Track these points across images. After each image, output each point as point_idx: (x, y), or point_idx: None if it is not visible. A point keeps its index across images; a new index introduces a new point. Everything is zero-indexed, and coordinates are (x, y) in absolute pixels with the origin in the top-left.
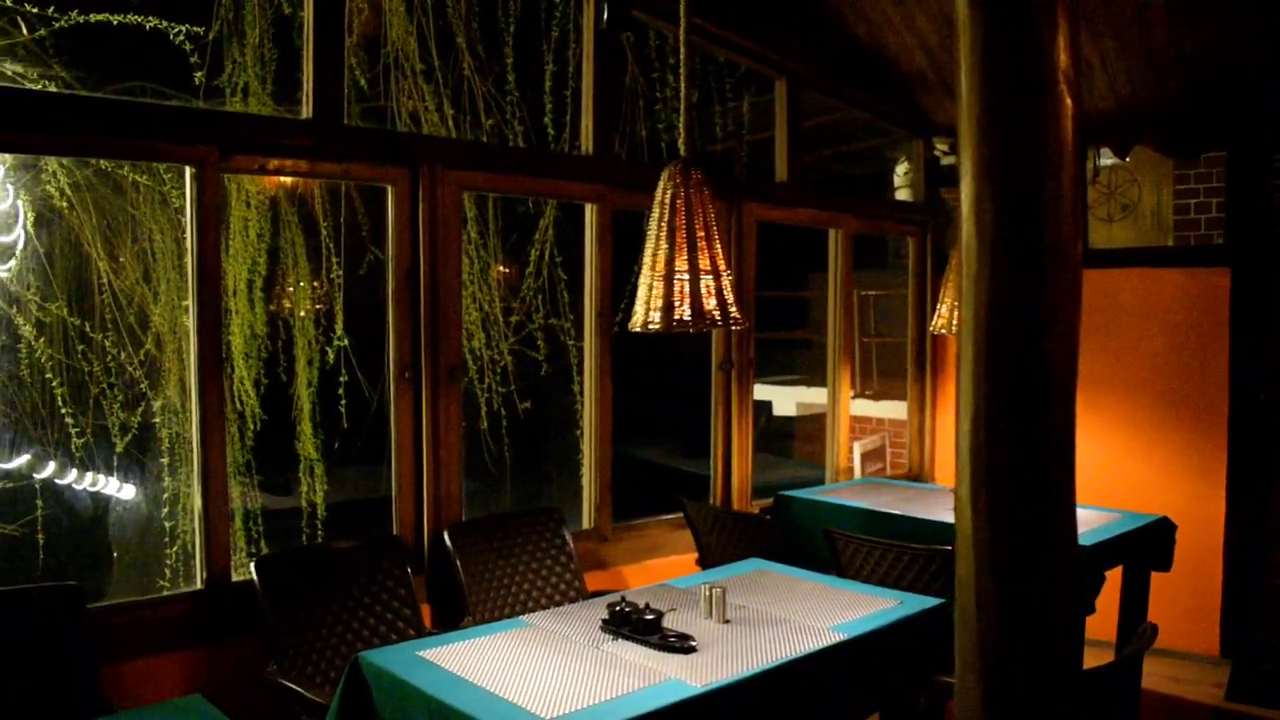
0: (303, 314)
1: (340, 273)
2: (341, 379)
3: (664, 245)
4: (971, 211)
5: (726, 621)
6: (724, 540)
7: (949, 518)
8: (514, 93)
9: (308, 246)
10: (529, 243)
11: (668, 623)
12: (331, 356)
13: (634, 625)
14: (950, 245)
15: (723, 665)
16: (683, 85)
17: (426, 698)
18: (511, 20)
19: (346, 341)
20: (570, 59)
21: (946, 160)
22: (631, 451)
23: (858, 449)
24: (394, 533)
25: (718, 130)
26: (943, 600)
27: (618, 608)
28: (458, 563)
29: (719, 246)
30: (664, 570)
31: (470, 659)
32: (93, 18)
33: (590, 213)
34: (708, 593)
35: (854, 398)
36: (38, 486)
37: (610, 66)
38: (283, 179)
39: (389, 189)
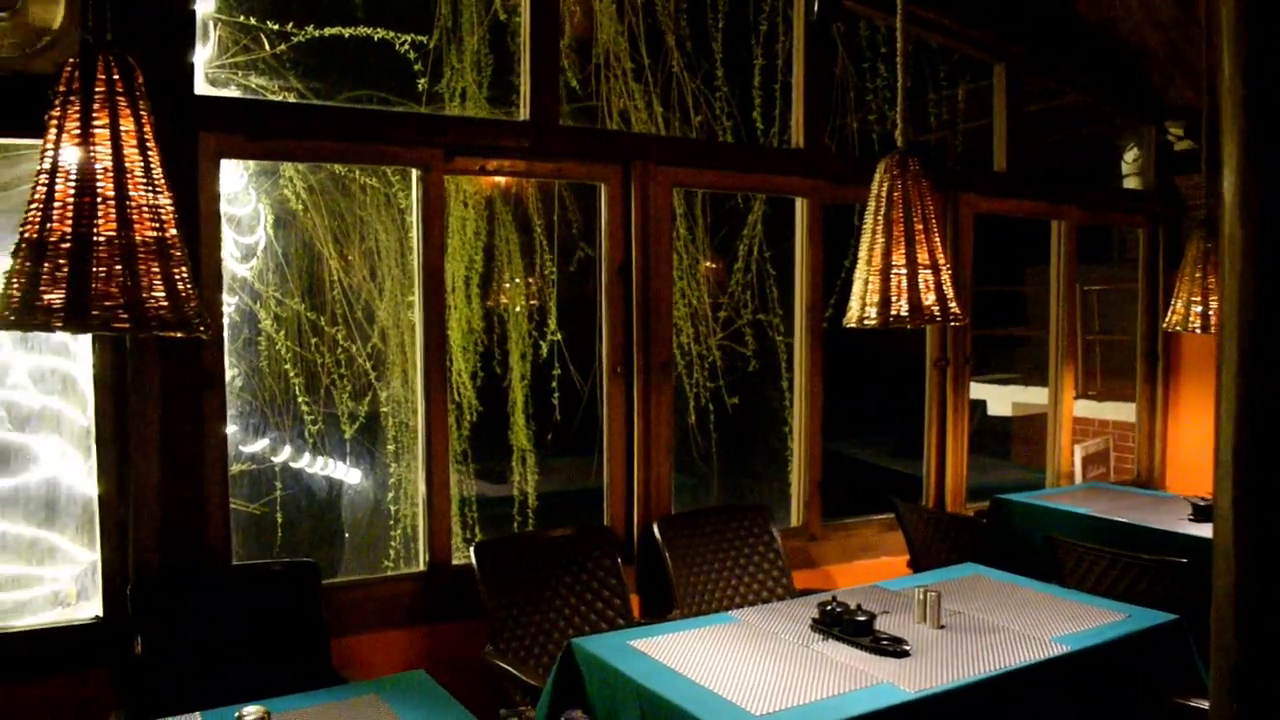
0: (517, 309)
1: (554, 269)
2: (554, 373)
3: (880, 239)
4: (1236, 201)
5: (941, 627)
6: (937, 543)
7: (1185, 528)
8: (723, 88)
9: (521, 244)
10: (737, 238)
11: (880, 625)
12: (545, 351)
13: (845, 626)
14: (1186, 236)
15: (937, 671)
16: (899, 73)
17: (637, 686)
18: (720, 16)
19: (560, 336)
20: (779, 52)
21: (1181, 145)
22: (838, 449)
23: (1079, 452)
24: (605, 523)
25: (931, 119)
26: (1176, 616)
27: (829, 607)
28: (666, 555)
29: (938, 239)
30: (874, 571)
31: (680, 651)
32: (326, 31)
33: (800, 207)
34: (921, 596)
35: (1076, 398)
36: (276, 469)
37: (820, 58)
38: (497, 179)
39: (601, 187)
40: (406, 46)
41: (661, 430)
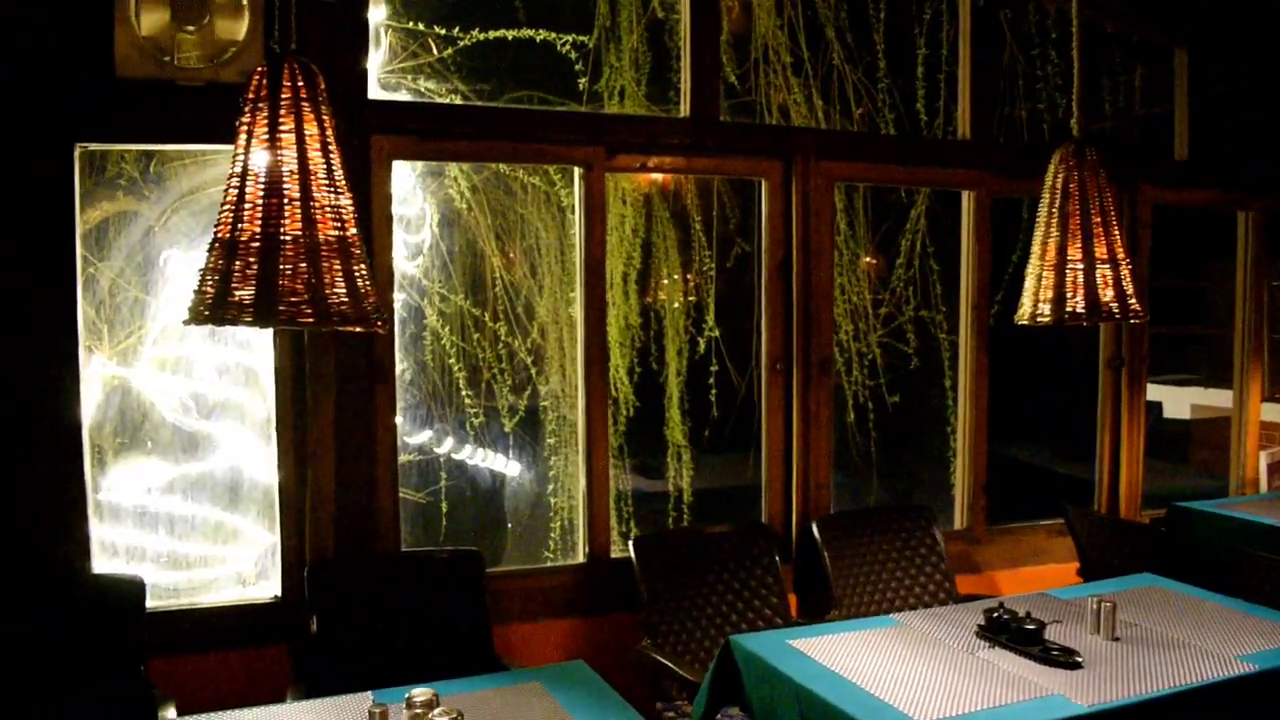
0: (675, 306)
1: (712, 265)
2: (712, 369)
3: (1055, 232)
4: None
5: (1115, 639)
6: (1110, 551)
7: None
8: (884, 80)
9: (678, 240)
10: (900, 233)
11: (1049, 635)
12: (702, 347)
13: (1013, 634)
14: None
15: (1112, 686)
16: (1075, 58)
17: (796, 686)
18: (882, 6)
19: (717, 332)
20: (944, 41)
21: None
22: (1001, 449)
23: (1264, 459)
24: (763, 521)
25: (1106, 107)
26: None
27: (995, 614)
28: (825, 555)
29: (1117, 233)
30: (1041, 578)
31: (840, 652)
32: (490, 34)
33: (967, 200)
34: (1094, 606)
35: (1264, 401)
36: (441, 460)
37: (987, 46)
38: (654, 175)
39: (762, 182)
40: (568, 47)
41: (821, 428)
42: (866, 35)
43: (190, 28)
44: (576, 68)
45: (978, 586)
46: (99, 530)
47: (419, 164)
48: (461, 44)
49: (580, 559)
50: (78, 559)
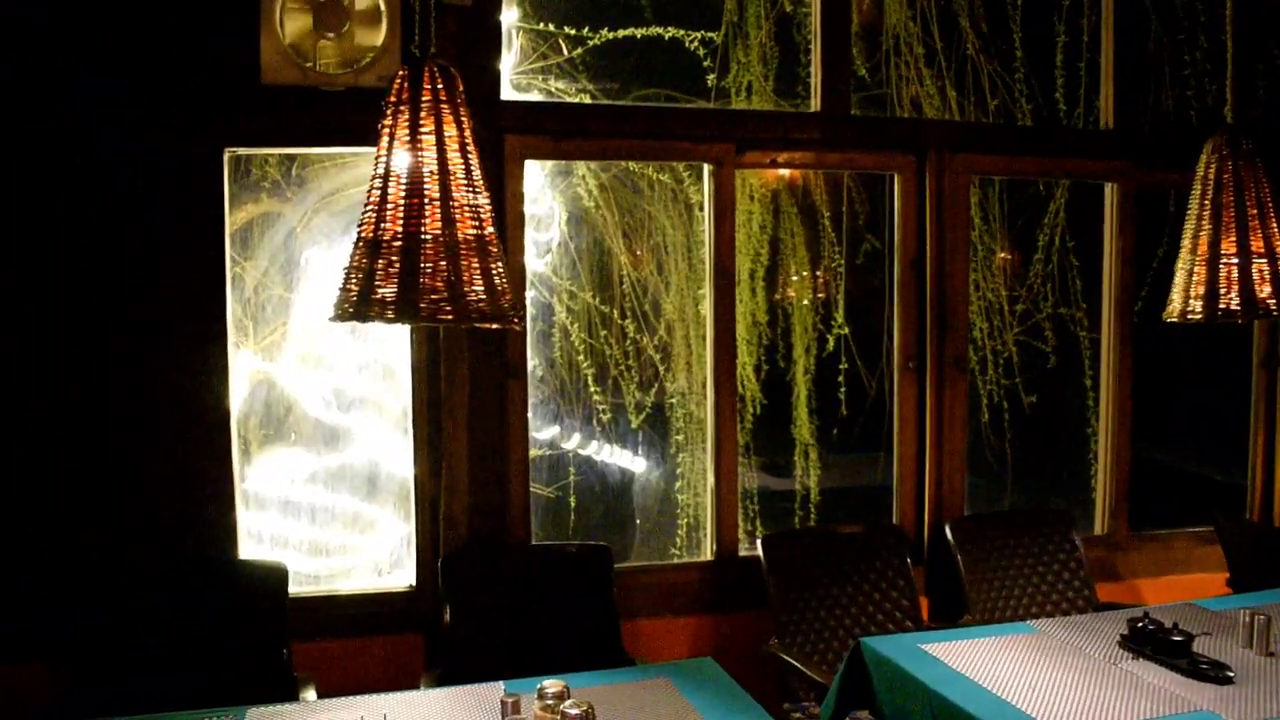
0: (804, 302)
1: (841, 261)
2: (841, 366)
3: (1207, 225)
4: None
5: (1270, 654)
6: (1263, 561)
7: None
8: (1021, 69)
9: (806, 236)
10: (1037, 227)
11: (1198, 647)
12: (831, 344)
13: (1159, 645)
14: None
15: (1268, 703)
16: (1228, 42)
17: (929, 691)
18: None
19: (846, 330)
20: (1084, 26)
21: None
22: (1144, 452)
23: None
24: (894, 522)
25: (1259, 91)
26: None
27: (1140, 624)
28: (958, 558)
29: (1275, 225)
30: (1187, 588)
31: (974, 658)
32: (619, 33)
33: (1110, 192)
34: (1247, 619)
35: None
36: (570, 455)
37: (1131, 30)
38: (782, 171)
39: (895, 177)
40: (695, 43)
41: (955, 428)
42: (1002, 23)
43: (331, 35)
44: (705, 64)
45: (1119, 595)
46: (245, 518)
47: (548, 163)
48: (591, 43)
49: (707, 556)
50: (226, 545)
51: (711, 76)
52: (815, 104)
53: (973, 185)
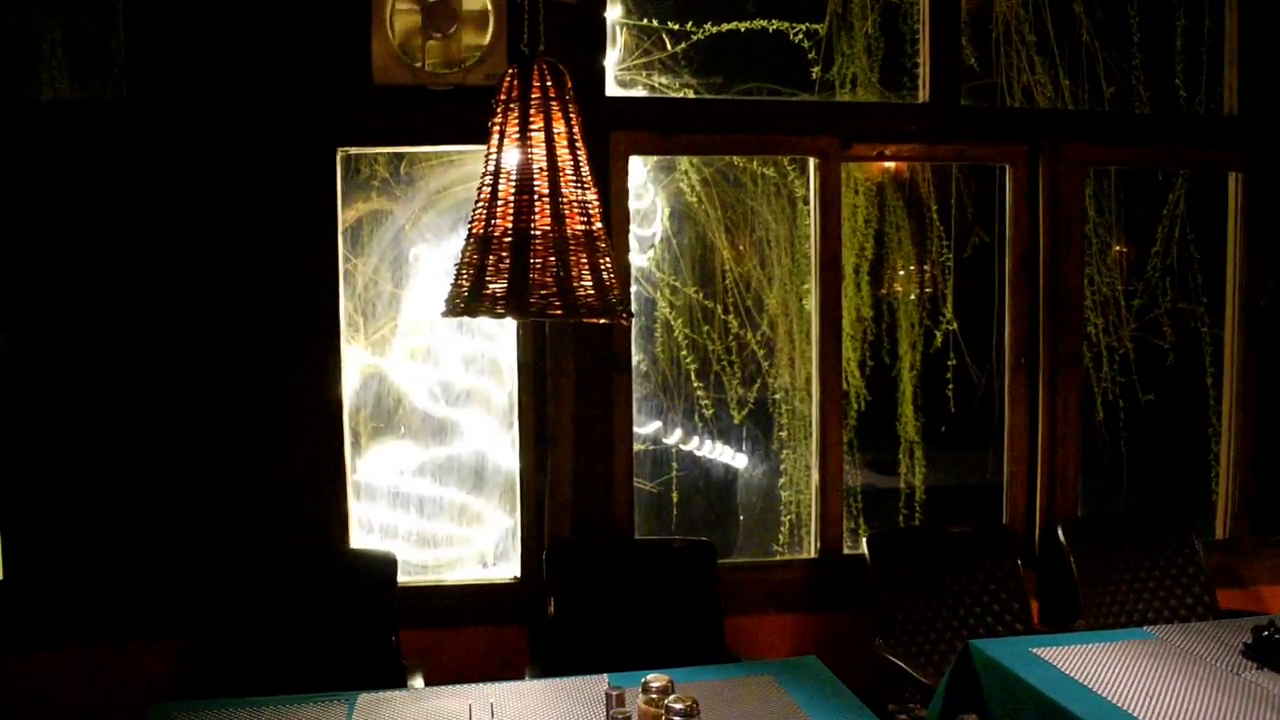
0: (912, 297)
1: (949, 255)
2: (949, 363)
3: None
4: None
5: None
6: None
7: None
8: (1138, 56)
9: (912, 230)
10: (1155, 219)
11: None
12: (938, 339)
13: None
14: None
15: None
16: None
17: (1041, 696)
18: None
19: (955, 325)
20: (1205, 7)
21: None
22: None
23: None
24: (1004, 522)
25: None
26: None
27: (1265, 633)
28: (1071, 560)
29: None
30: None
31: (1088, 664)
32: (724, 27)
33: (1233, 182)
34: None
35: None
36: (673, 450)
37: (1257, 12)
38: (887, 164)
39: (1006, 169)
40: (800, 35)
41: (1068, 427)
42: (1118, 6)
43: (440, 35)
44: (810, 56)
45: (1241, 602)
46: (356, 508)
47: (651, 159)
48: (695, 38)
49: (811, 554)
50: (338, 535)
51: (816, 69)
52: (923, 94)
53: (1087, 176)
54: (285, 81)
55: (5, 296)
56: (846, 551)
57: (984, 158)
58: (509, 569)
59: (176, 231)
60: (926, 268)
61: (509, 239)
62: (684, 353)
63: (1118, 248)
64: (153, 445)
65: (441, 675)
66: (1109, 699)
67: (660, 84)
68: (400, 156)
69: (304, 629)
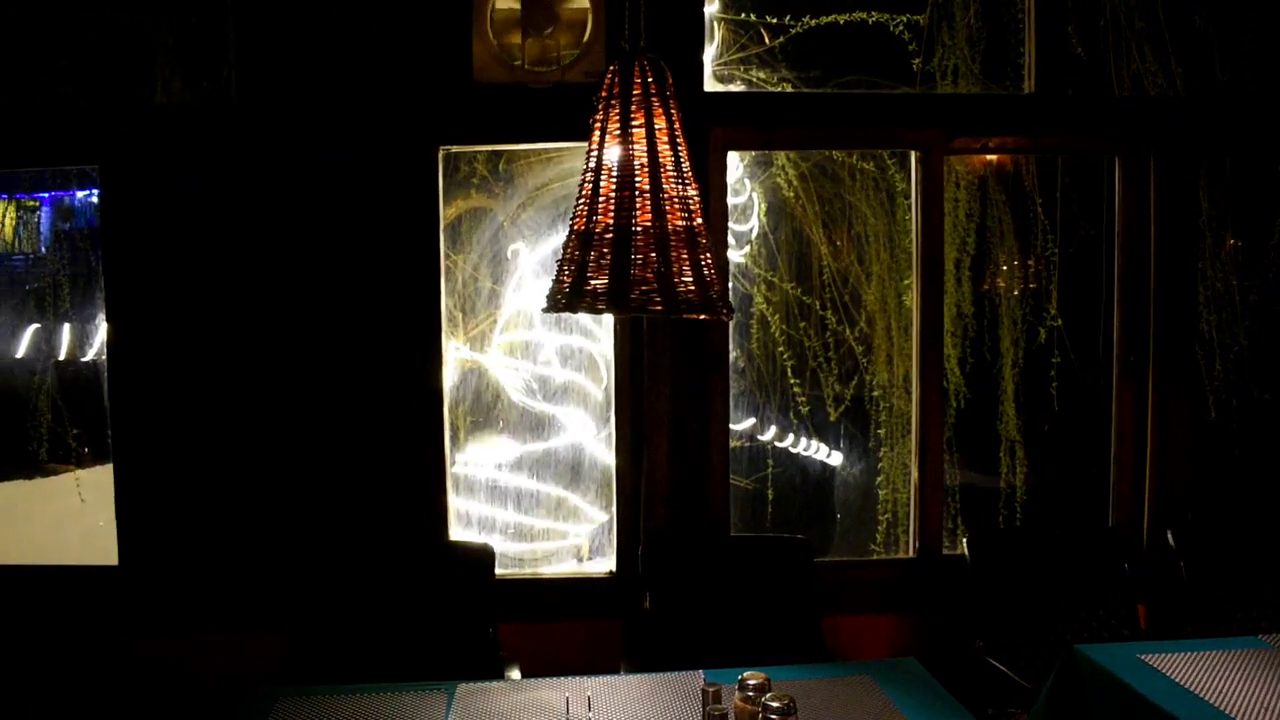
0: (1015, 293)
1: (1055, 250)
2: (1053, 360)
3: None
4: None
5: None
6: None
7: None
8: (1255, 41)
9: (1015, 224)
10: (1274, 210)
11: None
12: (1042, 336)
13: None
14: None
15: None
16: None
17: (1152, 706)
18: None
19: (1059, 321)
20: None
21: None
22: None
23: None
24: (1109, 524)
25: None
26: None
27: None
28: (1182, 565)
29: None
30: None
31: (1199, 672)
32: (822, 20)
33: None
34: None
35: None
36: (769, 447)
37: None
38: (989, 156)
39: (1115, 161)
40: (900, 27)
41: (1179, 426)
42: None
43: (539, 34)
44: (910, 48)
45: None
46: (454, 501)
47: (747, 154)
48: (793, 31)
49: (909, 554)
50: (437, 527)
51: (916, 61)
52: (1028, 85)
53: (1200, 166)
54: (389, 82)
55: (121, 294)
56: (946, 552)
57: (1092, 149)
58: (604, 564)
59: (285, 229)
60: (1030, 262)
61: (610, 235)
62: (781, 349)
63: (1232, 241)
64: (262, 439)
65: (537, 667)
66: (1222, 709)
67: (758, 78)
68: (499, 154)
69: (405, 619)
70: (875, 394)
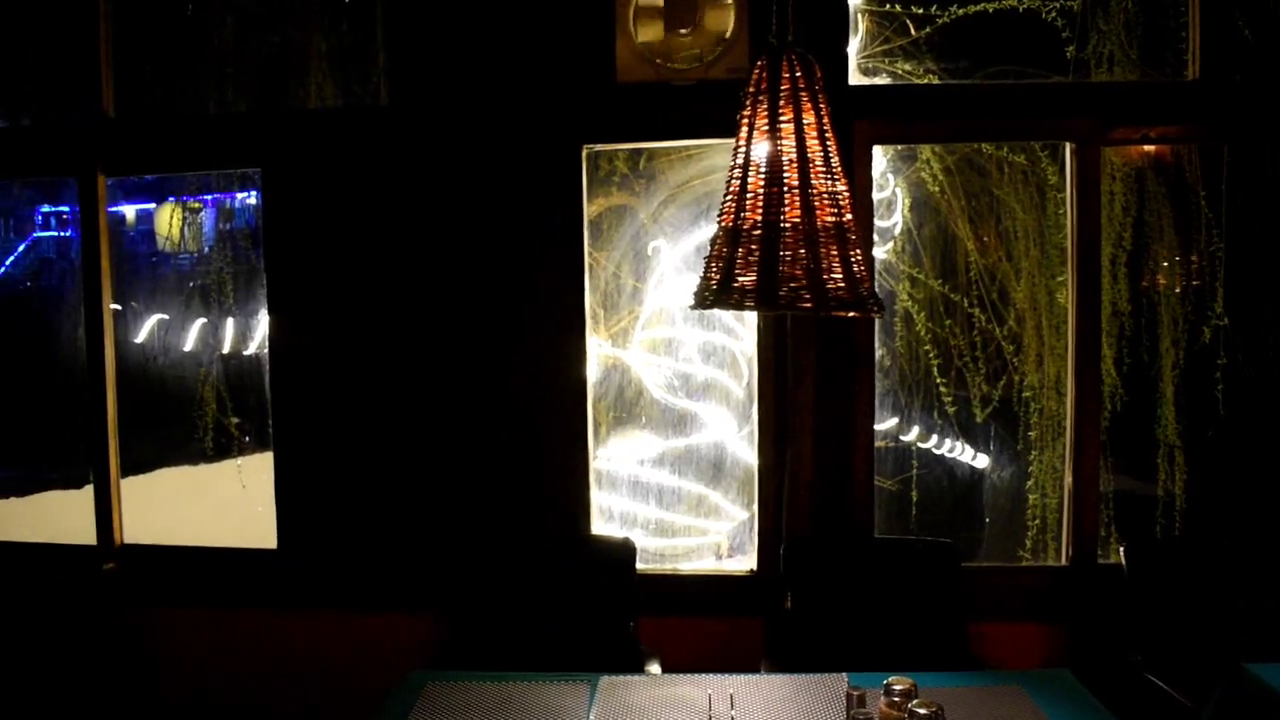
0: (1176, 290)
1: (1221, 245)
2: (1218, 361)
3: None
4: None
5: None
6: None
7: None
8: None
9: (1175, 218)
10: None
11: None
12: (1206, 335)
13: None
14: None
15: None
16: None
17: None
18: None
19: (1225, 320)
20: None
21: None
22: None
23: None
24: None
25: None
26: None
27: None
28: None
29: None
30: None
31: None
32: (970, 9)
33: None
34: None
35: None
36: (914, 448)
37: None
38: (1146, 148)
39: None
40: (1053, 14)
41: None
42: None
43: (682, 31)
44: (1064, 35)
45: None
46: (596, 496)
47: (890, 148)
48: (939, 22)
49: (1061, 561)
50: (580, 520)
51: (1070, 48)
52: (1191, 71)
53: None
54: (533, 83)
55: (281, 289)
56: (1101, 560)
57: (1263, 137)
58: (744, 562)
59: (435, 227)
60: (1193, 258)
61: (758, 231)
62: (926, 347)
63: None
64: (411, 430)
65: (675, 662)
66: None
67: (902, 71)
68: (639, 152)
69: (547, 609)
70: (1025, 394)
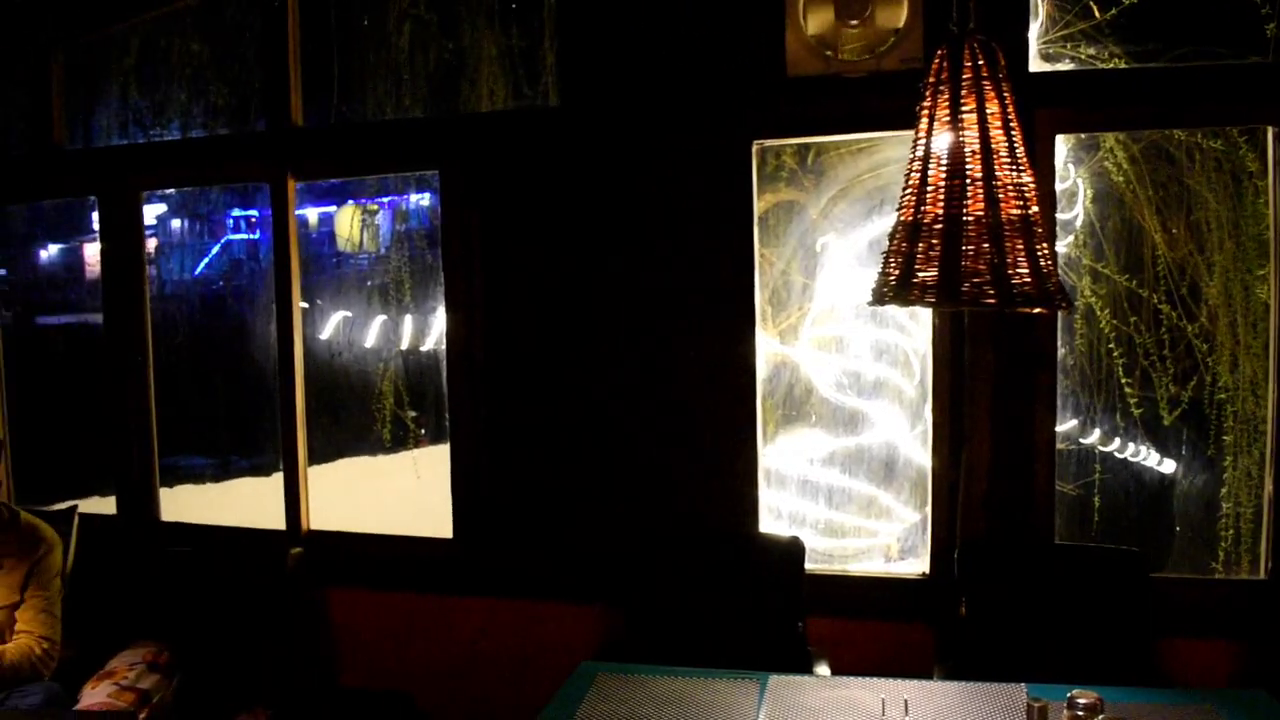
0: None
1: None
2: None
3: None
4: None
5: None
6: None
7: None
8: None
9: None
10: None
11: None
12: None
13: None
14: None
15: None
16: None
17: None
18: None
19: None
20: None
21: None
22: None
23: None
24: None
25: None
26: None
27: None
28: None
29: None
30: None
31: None
32: None
33: None
34: None
35: None
36: (1096, 451)
37: None
38: None
39: None
40: None
41: None
42: None
43: (853, 22)
44: (1263, 11)
45: None
46: (765, 494)
47: (1071, 138)
48: (1125, 3)
49: (1259, 574)
50: (748, 517)
51: (1270, 25)
52: None
53: None
54: (703, 80)
55: (457, 287)
56: None
57: None
58: (914, 565)
59: (605, 224)
60: None
61: (939, 225)
62: (1110, 345)
63: None
64: (582, 424)
65: (842, 664)
66: None
67: (1085, 55)
68: (807, 147)
69: (715, 607)
70: (1219, 396)
